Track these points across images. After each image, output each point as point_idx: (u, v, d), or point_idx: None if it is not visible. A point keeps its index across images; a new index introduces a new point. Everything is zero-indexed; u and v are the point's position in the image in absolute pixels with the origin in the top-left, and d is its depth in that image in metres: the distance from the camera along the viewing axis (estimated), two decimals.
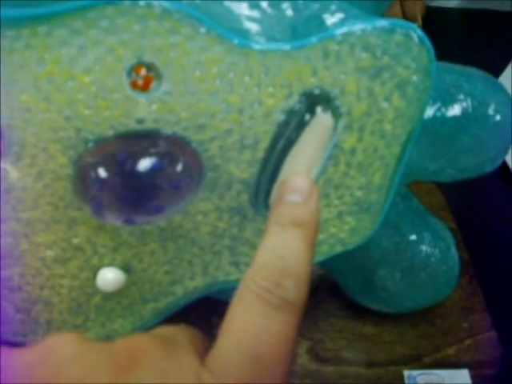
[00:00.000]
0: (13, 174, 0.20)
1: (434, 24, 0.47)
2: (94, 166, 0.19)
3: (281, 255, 0.17)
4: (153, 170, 0.19)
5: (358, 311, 0.29)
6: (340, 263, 0.27)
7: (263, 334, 0.15)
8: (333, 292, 0.29)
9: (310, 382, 0.27)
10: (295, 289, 0.16)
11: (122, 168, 0.19)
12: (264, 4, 0.20)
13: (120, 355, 0.15)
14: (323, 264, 0.25)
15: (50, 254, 0.22)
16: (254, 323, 0.15)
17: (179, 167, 0.19)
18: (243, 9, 0.20)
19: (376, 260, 0.26)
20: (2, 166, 0.20)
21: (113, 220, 0.20)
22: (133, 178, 0.19)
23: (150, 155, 0.19)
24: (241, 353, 0.15)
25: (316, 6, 0.21)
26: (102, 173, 0.19)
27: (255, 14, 0.20)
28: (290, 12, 0.20)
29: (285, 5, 0.21)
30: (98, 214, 0.20)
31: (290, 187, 0.18)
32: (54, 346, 0.16)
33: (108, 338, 0.24)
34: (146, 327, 0.23)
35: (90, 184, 0.20)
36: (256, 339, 0.15)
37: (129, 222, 0.20)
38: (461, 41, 0.51)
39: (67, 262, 0.22)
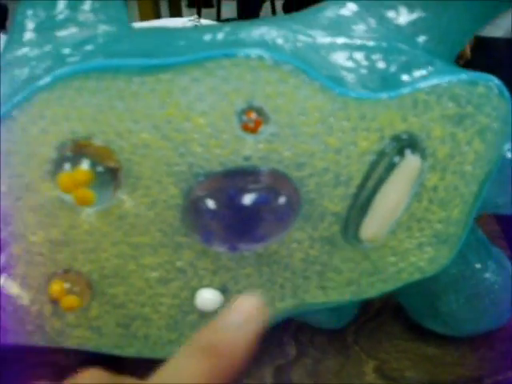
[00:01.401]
0: (128, 202, 0.23)
1: (483, 54, 0.48)
2: (206, 199, 0.22)
3: (177, 376, 0.15)
4: (259, 204, 0.21)
5: (420, 333, 0.30)
6: (406, 288, 0.28)
7: None
8: (395, 315, 0.31)
9: None
10: None
11: (232, 201, 0.21)
12: (358, 55, 0.23)
13: None
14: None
15: (154, 275, 0.24)
16: None
17: (282, 201, 0.21)
18: (339, 59, 0.22)
19: (442, 286, 0.28)
20: (113, 194, 0.23)
21: (218, 246, 0.22)
22: (241, 210, 0.21)
23: (257, 190, 0.21)
24: None
25: (404, 58, 0.23)
26: (213, 205, 0.22)
27: (350, 63, 0.22)
28: (381, 63, 0.22)
29: (376, 56, 0.23)
30: (207, 241, 0.22)
31: (231, 311, 0.16)
32: None
33: None
34: None
35: (200, 214, 0.22)
36: None
37: (233, 248, 0.22)
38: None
39: (169, 283, 0.24)
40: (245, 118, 0.21)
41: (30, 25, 0.26)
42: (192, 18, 0.53)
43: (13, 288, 0.25)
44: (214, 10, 1.92)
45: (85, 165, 0.22)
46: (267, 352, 0.30)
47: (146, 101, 0.21)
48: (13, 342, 0.26)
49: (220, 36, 0.22)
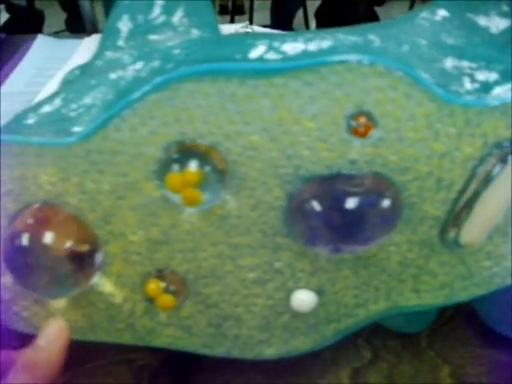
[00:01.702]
0: (231, 203, 0.23)
1: None
2: (312, 201, 0.22)
3: None
4: (365, 206, 0.22)
5: (494, 339, 0.31)
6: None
7: None
8: (468, 320, 0.31)
9: None
10: None
11: (338, 203, 0.22)
12: (458, 62, 0.23)
13: None
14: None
15: (251, 275, 0.24)
16: None
17: (388, 204, 0.22)
18: (442, 65, 0.23)
19: None
20: (218, 194, 0.23)
21: (321, 248, 0.23)
22: (347, 212, 0.22)
23: (363, 193, 0.22)
24: None
25: (502, 66, 0.23)
26: (319, 207, 0.22)
27: (452, 70, 0.23)
28: (481, 71, 0.23)
29: (476, 64, 0.23)
30: (311, 242, 0.23)
31: (41, 334, 0.24)
32: None
33: (288, 354, 0.26)
34: (324, 345, 0.26)
35: (306, 216, 0.22)
36: None
37: (336, 250, 0.23)
38: None
39: (265, 284, 0.24)
40: (353, 122, 0.22)
41: (125, 29, 0.27)
42: (243, 24, 0.53)
43: (107, 286, 0.25)
44: (245, 17, 1.93)
45: (193, 165, 0.22)
46: (343, 355, 0.30)
47: (258, 103, 0.21)
48: (101, 340, 0.27)
49: (320, 44, 0.23)
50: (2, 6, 0.66)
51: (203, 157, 0.22)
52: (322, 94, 0.21)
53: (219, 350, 0.26)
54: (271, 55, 0.22)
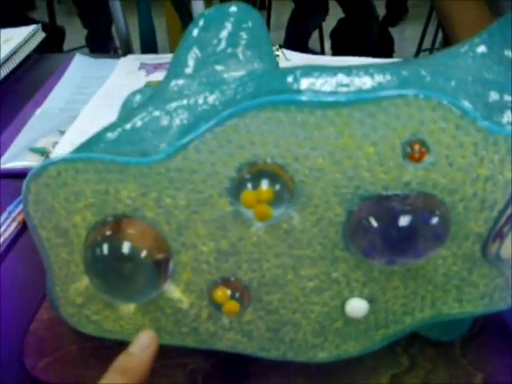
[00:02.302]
0: (296, 219, 0.26)
1: None
2: (370, 218, 0.25)
3: None
4: (419, 223, 0.24)
5: None
6: None
7: None
8: (499, 331, 0.34)
9: None
10: None
11: (394, 221, 0.24)
12: (505, 97, 0.26)
13: None
14: None
15: (310, 284, 0.27)
16: None
17: (439, 221, 0.24)
18: (490, 97, 0.26)
19: None
20: (285, 211, 0.26)
21: (377, 260, 0.25)
22: (402, 229, 0.24)
23: (416, 211, 0.24)
24: None
25: None
26: (377, 223, 0.25)
27: (494, 102, 0.26)
28: None
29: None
30: (368, 255, 0.25)
31: (134, 342, 0.26)
32: None
33: (338, 358, 0.28)
34: (373, 349, 0.28)
35: (364, 232, 0.25)
36: None
37: (391, 262, 0.25)
38: None
39: (322, 292, 0.27)
40: (409, 149, 0.24)
41: (193, 59, 0.30)
42: (274, 48, 0.56)
43: (175, 293, 0.28)
44: None
45: (265, 184, 0.25)
46: (383, 362, 0.33)
47: (326, 131, 0.24)
48: (166, 343, 0.29)
49: (380, 78, 0.26)
50: (39, 25, 0.69)
51: (274, 177, 0.25)
52: (382, 123, 0.24)
53: (275, 354, 0.29)
54: (338, 88, 0.25)
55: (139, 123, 0.28)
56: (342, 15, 1.75)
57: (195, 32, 0.31)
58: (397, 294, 0.27)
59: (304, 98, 0.24)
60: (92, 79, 0.65)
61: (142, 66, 0.67)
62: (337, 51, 1.76)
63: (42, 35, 0.69)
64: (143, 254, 0.26)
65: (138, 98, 0.34)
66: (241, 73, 0.29)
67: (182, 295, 0.28)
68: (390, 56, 1.65)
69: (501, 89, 0.26)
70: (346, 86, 0.25)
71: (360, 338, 0.28)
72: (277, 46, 0.59)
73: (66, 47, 1.92)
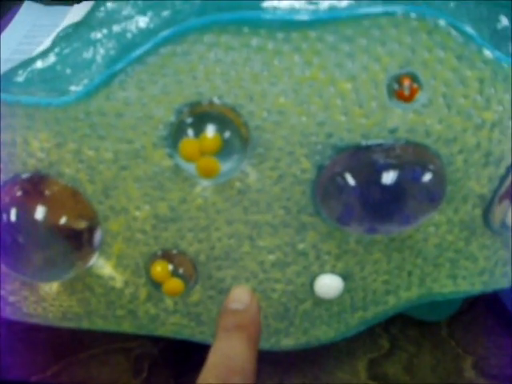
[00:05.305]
0: (252, 175, 0.20)
1: None
2: (346, 174, 0.19)
3: (227, 356, 0.19)
4: (407, 181, 0.19)
5: None
6: None
7: None
8: (489, 308, 0.29)
9: None
10: (242, 383, 0.19)
11: (377, 178, 0.19)
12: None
13: None
14: None
15: (270, 258, 0.22)
16: None
17: (433, 179, 0.19)
18: (499, 23, 0.20)
19: None
20: (237, 165, 0.20)
21: (355, 228, 0.20)
22: (388, 187, 0.19)
23: (405, 165, 0.19)
24: None
25: None
26: (354, 181, 0.19)
27: (508, 32, 0.20)
28: None
29: None
30: (343, 221, 0.20)
31: (233, 298, 0.22)
32: None
33: (306, 345, 0.24)
34: (349, 335, 0.24)
35: (339, 191, 0.19)
36: None
37: (371, 231, 0.20)
38: None
39: (286, 267, 0.22)
40: (396, 84, 0.19)
41: None
42: None
43: (106, 268, 0.23)
44: None
45: (211, 130, 0.19)
46: (359, 344, 0.28)
47: (288, 60, 0.19)
48: (98, 328, 0.24)
49: None
50: None
51: (222, 121, 0.19)
52: (361, 51, 0.18)
53: None
54: (305, 5, 0.19)
55: (55, 58, 0.22)
56: None
57: None
58: (378, 270, 0.22)
59: (259, 15, 0.18)
60: (42, 27, 0.58)
61: None
62: None
63: None
64: (62, 221, 0.21)
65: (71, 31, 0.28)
66: None
67: (115, 271, 0.23)
68: None
69: None
70: (316, 2, 0.19)
71: (333, 322, 0.23)
72: None
73: None
